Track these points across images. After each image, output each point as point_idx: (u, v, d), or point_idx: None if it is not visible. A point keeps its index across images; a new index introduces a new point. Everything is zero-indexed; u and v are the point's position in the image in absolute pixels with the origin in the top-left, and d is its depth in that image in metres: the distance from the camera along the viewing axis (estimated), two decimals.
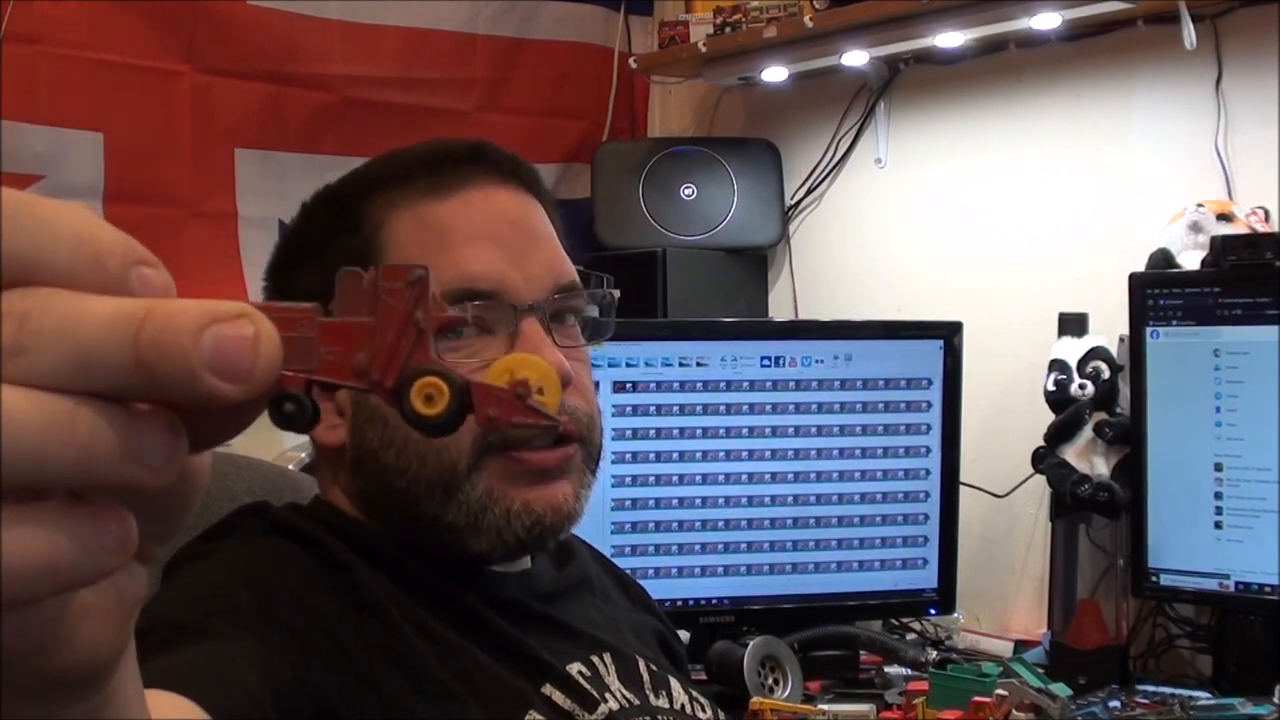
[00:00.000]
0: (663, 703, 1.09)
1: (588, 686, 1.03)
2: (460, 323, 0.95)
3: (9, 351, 0.33)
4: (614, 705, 1.04)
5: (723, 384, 2.06)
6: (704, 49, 2.51)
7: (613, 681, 1.07)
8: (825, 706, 1.87)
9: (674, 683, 1.13)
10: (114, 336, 0.34)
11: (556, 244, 1.09)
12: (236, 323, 0.35)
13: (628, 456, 2.03)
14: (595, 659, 1.07)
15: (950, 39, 2.32)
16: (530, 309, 1.02)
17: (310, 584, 0.97)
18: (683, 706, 1.11)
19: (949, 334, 2.13)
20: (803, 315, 2.67)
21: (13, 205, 0.34)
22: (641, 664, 1.12)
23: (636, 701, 1.06)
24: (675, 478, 2.06)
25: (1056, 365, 2.08)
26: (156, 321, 0.34)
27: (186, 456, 0.36)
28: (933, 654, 2.13)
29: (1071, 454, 2.05)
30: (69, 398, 0.33)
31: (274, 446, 2.42)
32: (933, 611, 2.19)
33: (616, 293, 1.12)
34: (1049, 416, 2.09)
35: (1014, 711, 1.69)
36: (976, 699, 1.70)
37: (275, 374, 0.36)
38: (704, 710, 1.13)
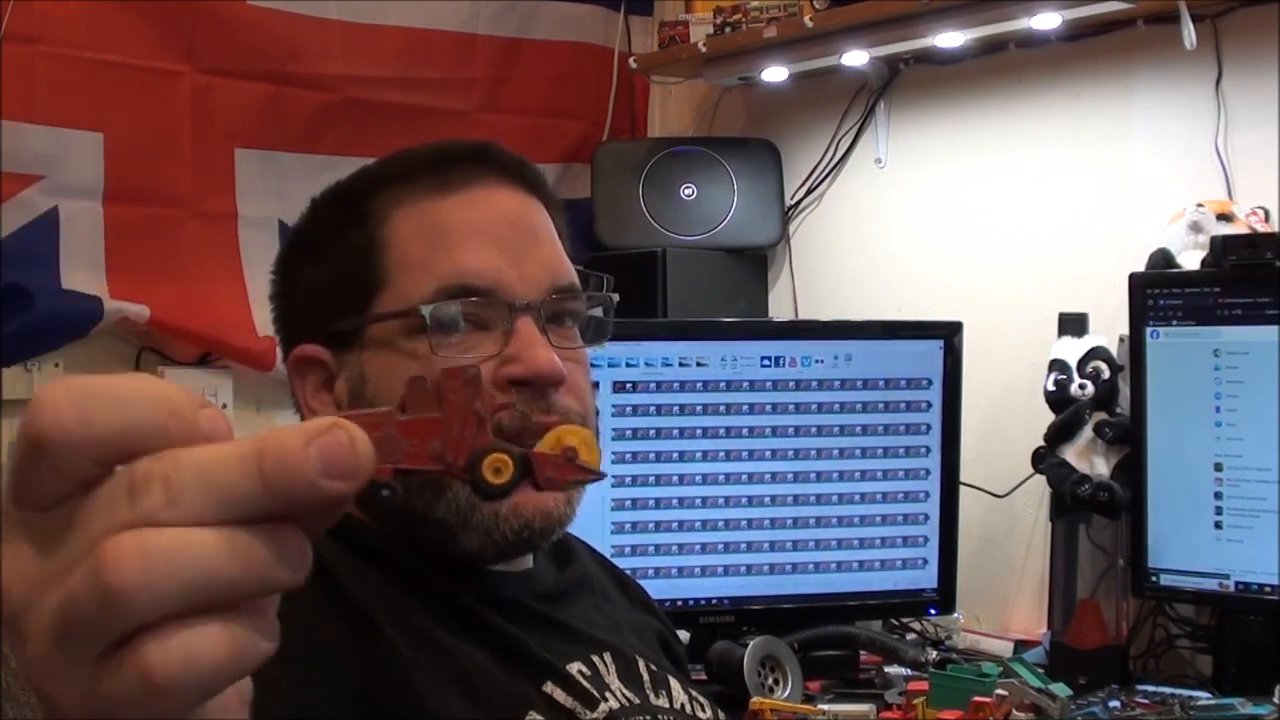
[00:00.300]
0: (663, 702, 1.09)
1: (588, 685, 1.03)
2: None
3: (164, 506, 0.41)
4: (614, 704, 1.04)
5: (723, 384, 2.06)
6: (704, 49, 2.51)
7: (613, 681, 1.07)
8: (825, 706, 1.87)
9: (674, 682, 1.13)
10: (244, 474, 0.41)
11: (557, 246, 1.09)
12: (333, 433, 0.42)
13: (628, 456, 2.03)
14: (595, 658, 1.07)
15: (950, 39, 2.32)
16: (526, 307, 1.02)
17: (300, 603, 0.96)
18: (683, 706, 1.11)
19: (949, 334, 2.13)
20: (803, 315, 2.67)
21: (99, 391, 0.42)
22: (641, 664, 1.12)
23: (637, 700, 1.07)
24: (675, 478, 2.06)
25: (1056, 365, 2.08)
26: (271, 451, 0.42)
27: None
28: (933, 654, 2.13)
29: (1071, 454, 2.05)
30: (224, 528, 0.41)
31: None
32: (933, 611, 2.19)
33: (615, 295, 1.12)
34: (1049, 416, 2.09)
35: (1014, 711, 1.69)
36: (976, 699, 1.70)
37: (373, 467, 0.43)
38: (704, 710, 1.13)
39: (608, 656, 1.09)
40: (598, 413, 1.09)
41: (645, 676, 1.11)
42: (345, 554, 0.99)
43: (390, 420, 0.48)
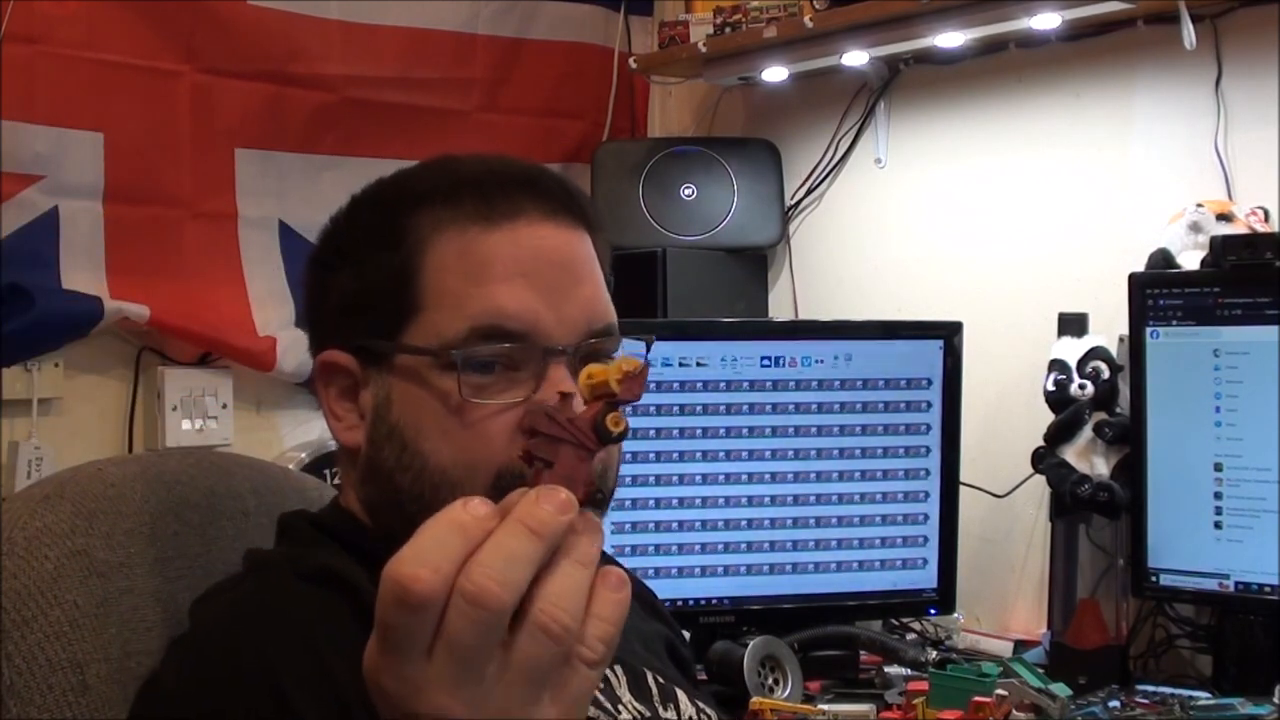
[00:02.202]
0: (671, 715, 1.09)
1: (601, 698, 1.03)
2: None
3: (502, 595, 0.60)
4: (627, 717, 1.04)
5: (723, 384, 2.06)
6: (704, 49, 2.51)
7: (624, 694, 1.07)
8: (825, 706, 1.87)
9: (680, 694, 1.13)
10: (531, 542, 0.61)
11: (598, 284, 1.06)
12: (551, 495, 0.63)
13: (628, 456, 2.03)
14: (607, 671, 1.07)
15: (950, 39, 2.32)
16: (560, 352, 0.99)
17: (354, 646, 0.96)
18: (690, 718, 1.11)
19: (949, 334, 2.13)
20: (803, 315, 2.67)
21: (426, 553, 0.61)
22: (650, 676, 1.12)
23: (647, 714, 1.07)
24: (675, 478, 2.06)
25: (1056, 365, 2.09)
26: (529, 519, 0.61)
27: None
28: (933, 654, 2.13)
29: (1071, 454, 2.05)
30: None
31: (274, 447, 2.43)
32: (933, 611, 2.20)
33: (652, 336, 1.10)
34: (1049, 416, 2.09)
35: (1014, 711, 1.69)
36: (976, 699, 1.70)
37: (575, 502, 0.63)
38: None
39: (618, 669, 1.09)
40: (621, 454, 1.08)
41: (654, 689, 1.11)
42: (358, 565, 0.98)
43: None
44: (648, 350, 1.06)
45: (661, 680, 1.12)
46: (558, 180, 1.07)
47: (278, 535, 1.09)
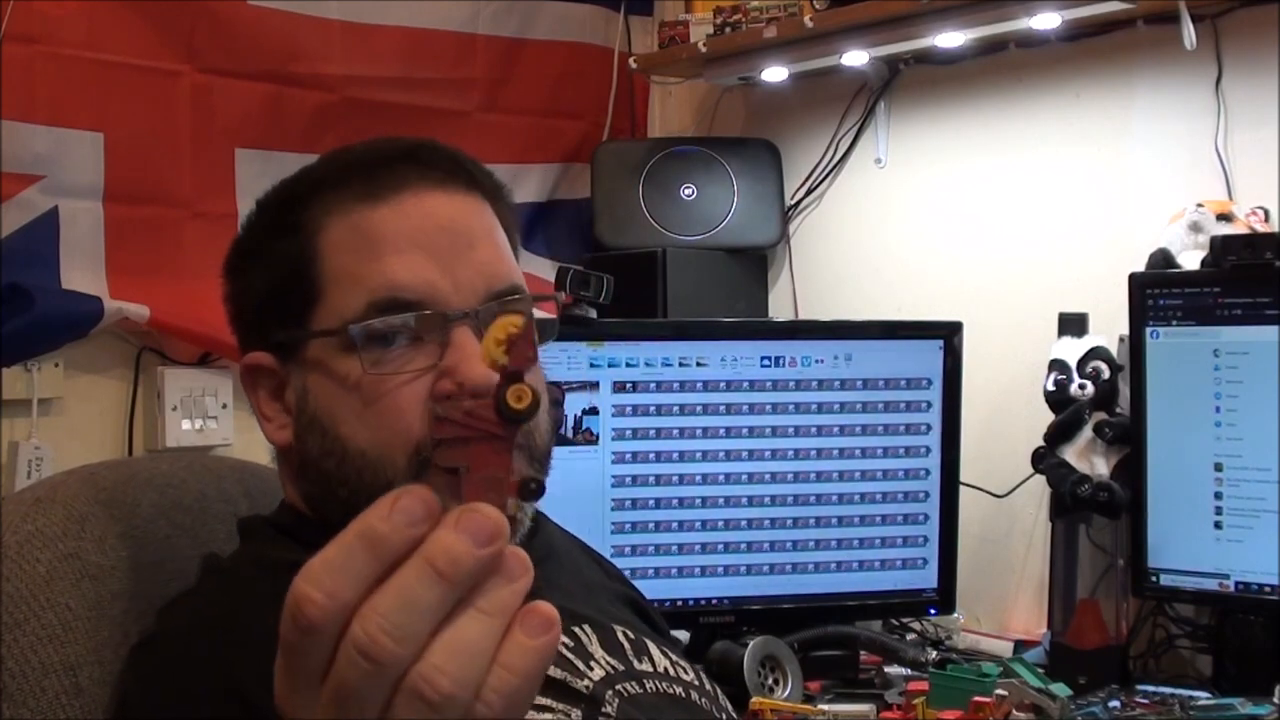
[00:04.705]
0: (645, 667, 1.10)
1: (573, 657, 1.03)
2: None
3: (398, 655, 0.51)
4: (601, 672, 1.04)
5: (723, 384, 2.06)
6: (704, 49, 2.51)
7: (596, 650, 1.07)
8: (825, 706, 1.87)
9: (652, 646, 1.13)
10: (433, 587, 0.51)
11: (497, 246, 1.06)
12: (467, 517, 0.52)
13: (628, 456, 2.03)
14: (576, 630, 1.08)
15: (950, 39, 2.32)
16: (462, 317, 1.00)
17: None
18: (665, 670, 1.11)
19: (949, 334, 2.13)
20: (803, 315, 2.67)
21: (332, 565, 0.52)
22: (619, 631, 1.12)
23: (621, 667, 1.07)
24: (675, 478, 2.06)
25: (1056, 365, 2.08)
26: (439, 557, 0.51)
27: None
28: (933, 654, 2.13)
29: (1071, 454, 2.05)
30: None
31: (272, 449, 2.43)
32: (933, 611, 2.19)
33: (562, 295, 1.11)
34: (1049, 416, 2.08)
35: (1014, 711, 1.69)
36: (976, 699, 1.70)
37: (505, 524, 0.53)
38: (686, 672, 1.14)
39: (587, 628, 1.09)
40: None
41: (625, 644, 1.11)
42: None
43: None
44: (530, 307, 1.05)
45: (631, 635, 1.13)
46: (444, 151, 1.08)
47: (240, 538, 1.10)
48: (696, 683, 1.14)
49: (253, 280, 1.09)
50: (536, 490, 0.56)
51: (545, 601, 0.54)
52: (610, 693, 1.03)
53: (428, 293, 1.01)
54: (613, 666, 1.06)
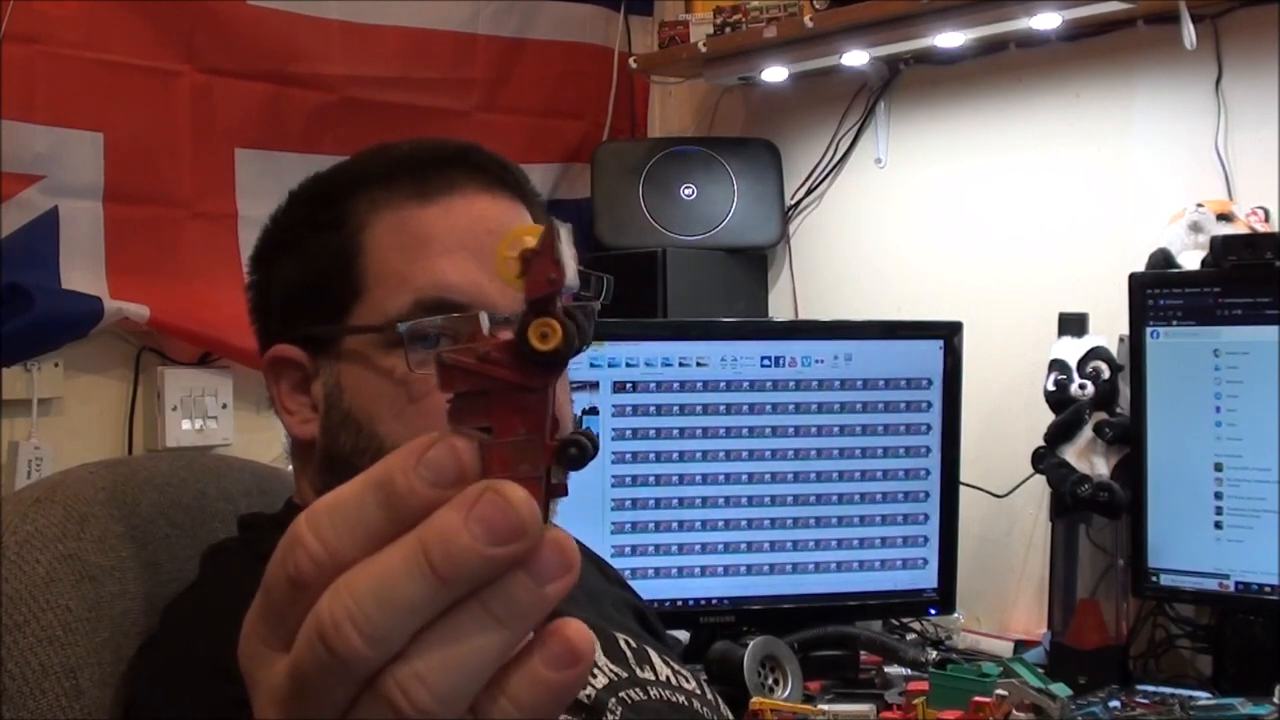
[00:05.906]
0: (648, 675, 1.10)
1: None
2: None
3: (366, 653, 0.39)
4: (604, 680, 1.04)
5: (723, 384, 2.06)
6: (704, 49, 2.51)
7: (599, 657, 1.07)
8: (825, 706, 1.87)
9: (653, 655, 1.13)
10: (420, 581, 0.39)
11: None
12: (486, 499, 0.40)
13: (628, 456, 2.03)
14: None
15: (950, 39, 2.32)
16: (506, 321, 1.00)
17: None
18: (667, 679, 1.11)
19: (949, 334, 2.13)
20: (803, 315, 2.67)
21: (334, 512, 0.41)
22: (621, 639, 1.12)
23: (624, 675, 1.07)
24: (675, 478, 2.06)
25: (1056, 365, 2.08)
26: (435, 544, 0.39)
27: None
28: (933, 654, 2.13)
29: (1071, 454, 2.04)
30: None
31: (274, 447, 2.43)
32: (933, 611, 2.19)
33: (597, 304, 1.11)
34: (1049, 416, 2.08)
35: (1014, 711, 1.69)
36: (976, 699, 1.70)
37: (538, 517, 0.40)
38: (688, 681, 1.14)
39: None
40: (578, 422, 1.08)
41: (627, 652, 1.11)
42: None
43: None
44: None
45: (633, 644, 1.13)
46: (491, 155, 1.08)
47: (240, 534, 1.09)
48: (699, 691, 1.14)
49: (284, 272, 1.08)
50: (579, 456, 0.43)
51: (578, 620, 0.42)
52: (614, 700, 1.03)
53: (475, 294, 1.01)
54: (616, 674, 1.06)
